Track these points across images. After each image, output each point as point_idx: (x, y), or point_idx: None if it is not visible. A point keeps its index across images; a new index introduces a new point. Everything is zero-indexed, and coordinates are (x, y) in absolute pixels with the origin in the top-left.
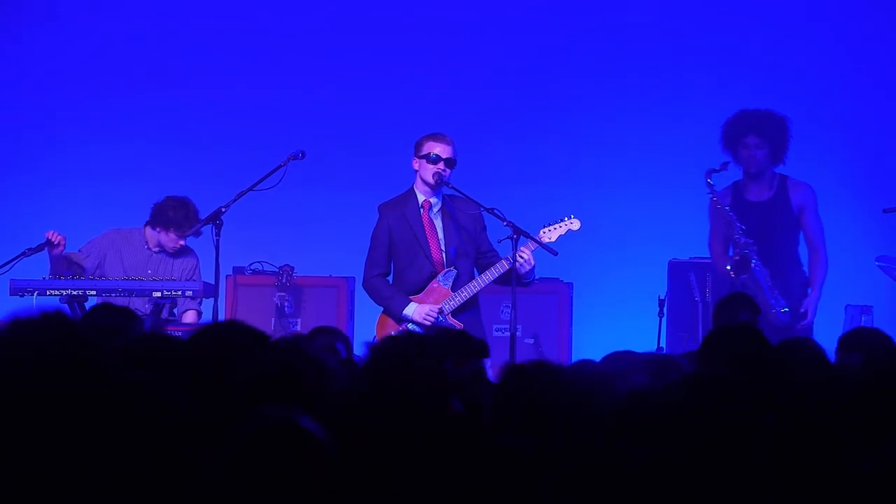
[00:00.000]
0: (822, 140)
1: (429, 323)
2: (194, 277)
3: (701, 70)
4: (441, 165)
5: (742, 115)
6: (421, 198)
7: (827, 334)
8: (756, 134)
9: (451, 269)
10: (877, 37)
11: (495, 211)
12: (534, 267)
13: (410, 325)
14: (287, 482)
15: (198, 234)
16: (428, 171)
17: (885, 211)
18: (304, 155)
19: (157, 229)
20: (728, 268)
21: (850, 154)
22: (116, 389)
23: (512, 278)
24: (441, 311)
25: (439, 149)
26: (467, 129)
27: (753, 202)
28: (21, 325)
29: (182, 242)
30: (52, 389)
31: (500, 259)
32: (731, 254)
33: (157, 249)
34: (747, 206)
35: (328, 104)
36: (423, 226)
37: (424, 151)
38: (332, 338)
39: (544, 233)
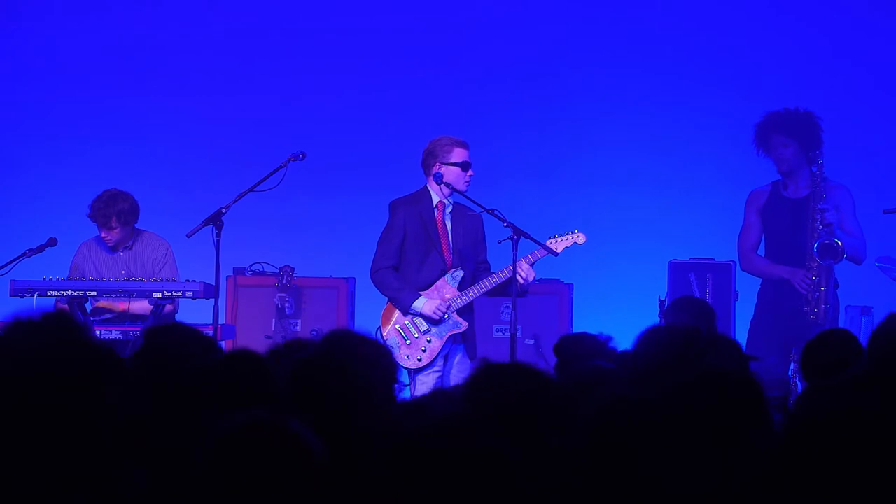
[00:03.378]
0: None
1: (437, 317)
2: (167, 261)
3: (702, 70)
4: (471, 172)
5: (768, 117)
6: (436, 199)
7: None
8: (781, 133)
9: (459, 269)
10: (876, 37)
11: (496, 212)
12: (534, 278)
13: (417, 319)
14: (274, 486)
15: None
16: (460, 179)
17: (885, 212)
18: (304, 156)
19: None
20: (815, 247)
21: (850, 155)
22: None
23: (513, 285)
24: (449, 308)
25: (466, 154)
26: (467, 130)
27: (790, 199)
28: (22, 327)
29: (104, 235)
30: (54, 391)
31: (490, 271)
32: (819, 238)
33: (112, 245)
34: (784, 202)
35: (329, 105)
36: (436, 226)
37: (457, 159)
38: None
39: (550, 243)
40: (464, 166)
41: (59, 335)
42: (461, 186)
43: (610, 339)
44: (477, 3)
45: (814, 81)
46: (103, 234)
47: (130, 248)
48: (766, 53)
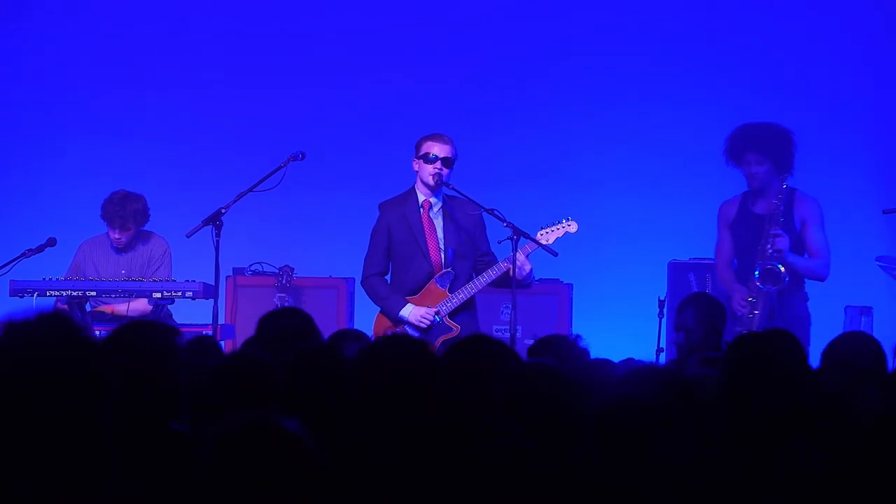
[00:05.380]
0: (822, 141)
1: (424, 325)
2: (164, 261)
3: (702, 70)
4: (438, 165)
5: (742, 131)
6: (421, 197)
7: (827, 335)
8: (756, 151)
9: (449, 270)
10: (876, 38)
11: (496, 212)
12: (531, 270)
13: (408, 326)
14: (269, 484)
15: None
16: (426, 172)
17: (884, 212)
18: (304, 156)
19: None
20: (756, 272)
21: (850, 155)
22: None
23: (511, 281)
24: (437, 313)
25: (437, 149)
26: (467, 129)
27: (757, 214)
28: (17, 327)
29: (117, 236)
30: (53, 391)
31: (496, 262)
32: (763, 262)
33: (121, 247)
34: (751, 218)
35: (328, 105)
36: (422, 226)
37: (422, 152)
38: (361, 342)
39: (542, 235)
40: (425, 158)
41: (57, 335)
42: (427, 179)
43: (579, 337)
44: (476, 3)
45: (813, 82)
46: (116, 236)
47: (132, 248)
48: (766, 54)
